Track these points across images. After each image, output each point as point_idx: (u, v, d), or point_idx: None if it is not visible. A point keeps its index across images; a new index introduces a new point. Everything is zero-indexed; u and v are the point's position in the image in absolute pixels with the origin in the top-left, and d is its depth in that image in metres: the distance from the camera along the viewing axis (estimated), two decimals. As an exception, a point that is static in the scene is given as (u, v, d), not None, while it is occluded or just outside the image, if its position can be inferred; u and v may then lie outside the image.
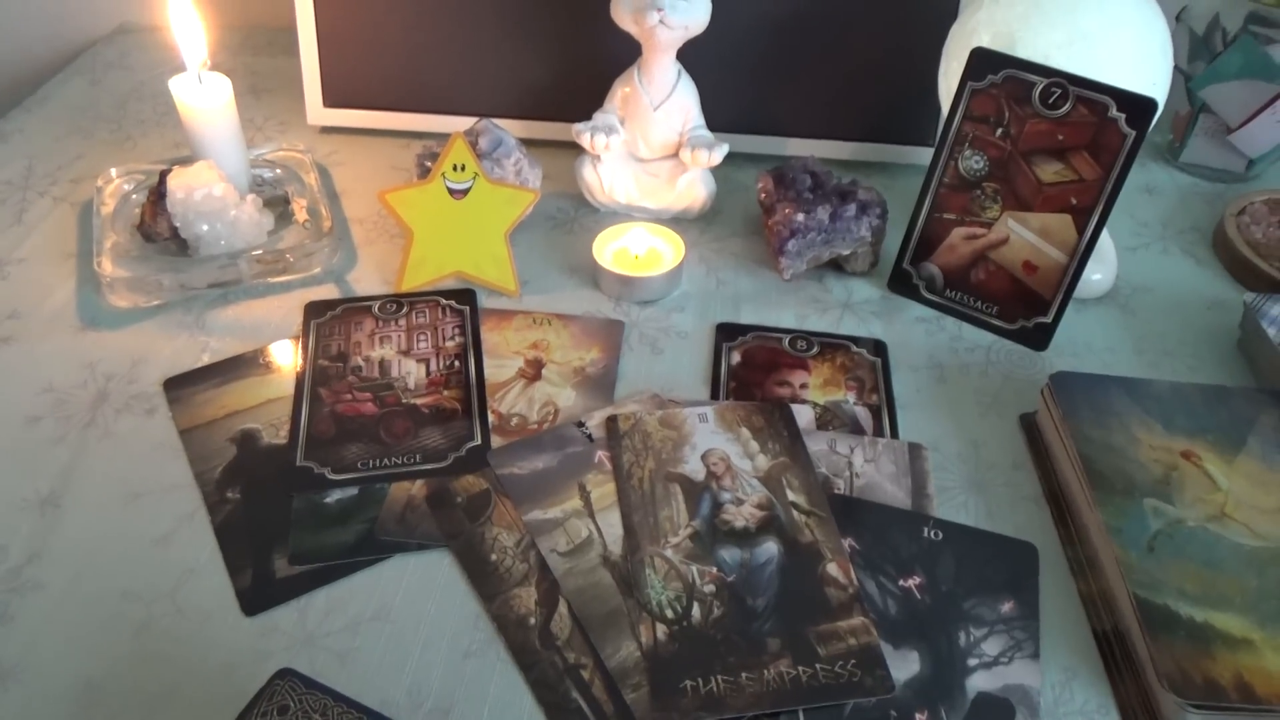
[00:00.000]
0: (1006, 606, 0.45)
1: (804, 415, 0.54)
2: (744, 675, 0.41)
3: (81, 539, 0.47)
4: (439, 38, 0.74)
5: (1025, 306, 0.60)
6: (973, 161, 0.59)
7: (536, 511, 0.48)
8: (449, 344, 0.58)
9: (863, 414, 0.55)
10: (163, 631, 0.43)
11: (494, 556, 0.46)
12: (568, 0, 0.72)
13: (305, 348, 0.58)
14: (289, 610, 0.44)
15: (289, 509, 0.49)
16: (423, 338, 0.59)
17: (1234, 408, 0.53)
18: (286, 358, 0.57)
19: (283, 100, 0.83)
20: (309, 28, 0.74)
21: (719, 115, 0.69)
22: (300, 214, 0.66)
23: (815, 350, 0.59)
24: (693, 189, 0.68)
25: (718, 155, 0.66)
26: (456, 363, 0.57)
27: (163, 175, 0.62)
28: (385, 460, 0.51)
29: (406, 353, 0.58)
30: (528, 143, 0.69)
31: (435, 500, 0.49)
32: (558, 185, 0.72)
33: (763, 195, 0.67)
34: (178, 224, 0.61)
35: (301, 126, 0.79)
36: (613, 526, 0.47)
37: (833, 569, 0.46)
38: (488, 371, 0.57)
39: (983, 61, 0.57)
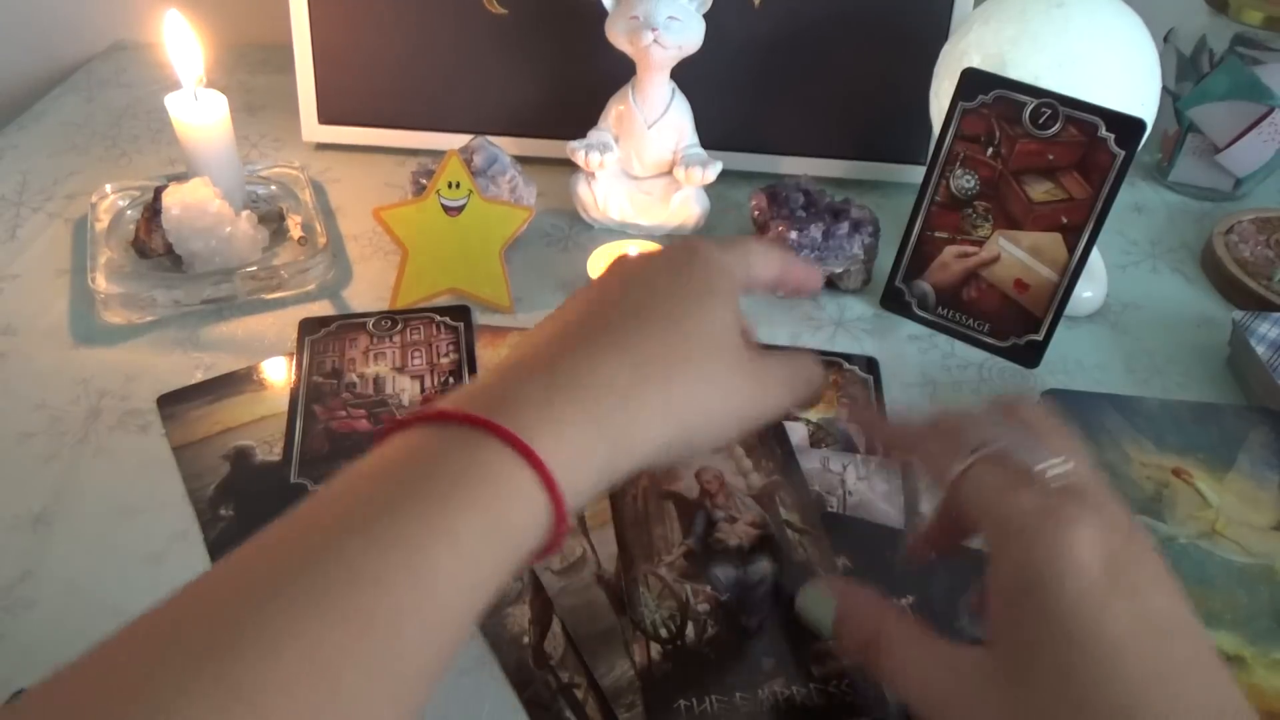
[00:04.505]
0: (999, 624, 0.45)
1: (797, 432, 0.54)
2: (738, 695, 0.41)
3: (74, 557, 0.47)
4: (434, 55, 0.75)
5: (1017, 324, 0.60)
6: (964, 180, 0.59)
7: (530, 529, 0.48)
8: (443, 361, 0.58)
9: (855, 431, 0.55)
10: (155, 650, 0.43)
11: (488, 574, 0.46)
12: (563, 19, 0.72)
13: (299, 364, 0.58)
14: (282, 629, 0.44)
15: (282, 527, 0.48)
16: (417, 354, 0.59)
17: (1224, 425, 0.54)
18: (280, 374, 0.57)
19: (278, 117, 0.83)
20: (305, 45, 0.74)
21: (712, 133, 0.70)
22: (295, 231, 0.66)
23: (808, 367, 0.59)
24: (686, 206, 0.69)
25: (711, 173, 0.67)
26: (451, 379, 0.57)
27: (158, 192, 0.62)
28: (379, 478, 0.51)
29: (401, 369, 0.58)
30: (522, 160, 0.69)
31: (429, 518, 0.49)
32: (552, 202, 0.72)
33: (756, 213, 0.67)
34: (172, 240, 0.61)
35: (296, 143, 0.79)
36: (606, 544, 0.47)
37: (826, 587, 0.46)
38: (482, 388, 0.57)
39: (973, 82, 0.58)
